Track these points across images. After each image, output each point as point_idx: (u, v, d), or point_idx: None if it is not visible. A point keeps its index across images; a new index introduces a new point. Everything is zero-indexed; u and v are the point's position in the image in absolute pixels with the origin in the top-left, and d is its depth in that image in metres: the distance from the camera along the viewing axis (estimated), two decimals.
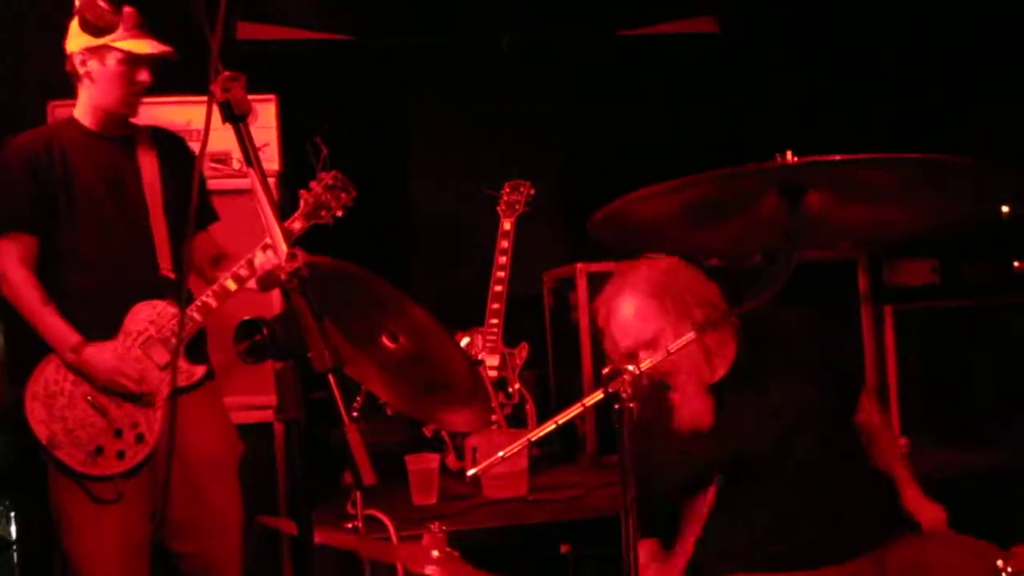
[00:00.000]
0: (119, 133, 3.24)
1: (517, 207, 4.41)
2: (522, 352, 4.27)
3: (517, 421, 4.12)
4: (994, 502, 3.37)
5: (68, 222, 3.13)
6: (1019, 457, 3.83)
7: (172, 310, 3.11)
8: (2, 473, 4.34)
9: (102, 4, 1.75)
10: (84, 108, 3.22)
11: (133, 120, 3.28)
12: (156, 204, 3.20)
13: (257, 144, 4.65)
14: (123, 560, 3.07)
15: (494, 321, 4.23)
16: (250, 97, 4.88)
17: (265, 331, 1.54)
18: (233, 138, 4.93)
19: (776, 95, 5.23)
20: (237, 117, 1.60)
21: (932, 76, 4.99)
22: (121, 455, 3.05)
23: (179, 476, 3.09)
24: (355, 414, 2.91)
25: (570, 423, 4.28)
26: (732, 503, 2.72)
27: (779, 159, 1.89)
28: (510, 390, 4.20)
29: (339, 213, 3.37)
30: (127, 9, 3.12)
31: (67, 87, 3.46)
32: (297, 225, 3.33)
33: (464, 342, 4.22)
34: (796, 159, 1.88)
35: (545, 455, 4.26)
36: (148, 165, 3.23)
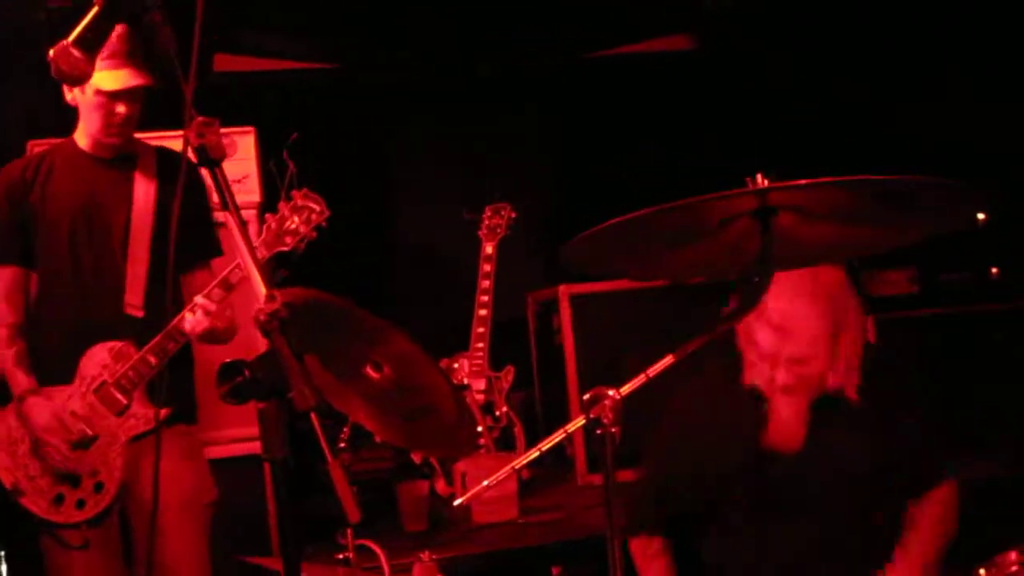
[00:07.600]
0: (114, 156, 3.04)
1: (499, 231, 4.44)
2: (508, 375, 4.28)
3: (505, 444, 4.13)
4: (975, 511, 3.39)
5: (41, 251, 2.99)
6: (1002, 465, 3.85)
7: (129, 352, 2.91)
8: None
9: (76, 53, 1.72)
10: (80, 131, 3.05)
11: (142, 139, 3.09)
12: (142, 233, 2.97)
13: (238, 176, 4.68)
14: None
15: (479, 345, 4.25)
16: (229, 129, 4.87)
17: (247, 373, 1.56)
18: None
19: (751, 115, 5.28)
20: (212, 162, 1.61)
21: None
22: (81, 504, 2.89)
23: (142, 520, 2.95)
24: (342, 445, 2.91)
25: (559, 445, 4.33)
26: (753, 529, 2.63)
27: (750, 183, 1.93)
28: (497, 413, 4.22)
29: (312, 235, 2.99)
30: (112, 35, 2.68)
31: (49, 125, 3.42)
32: (260, 254, 2.94)
33: (451, 367, 4.24)
34: (767, 182, 1.92)
35: (535, 477, 4.28)
36: (143, 190, 3.00)
